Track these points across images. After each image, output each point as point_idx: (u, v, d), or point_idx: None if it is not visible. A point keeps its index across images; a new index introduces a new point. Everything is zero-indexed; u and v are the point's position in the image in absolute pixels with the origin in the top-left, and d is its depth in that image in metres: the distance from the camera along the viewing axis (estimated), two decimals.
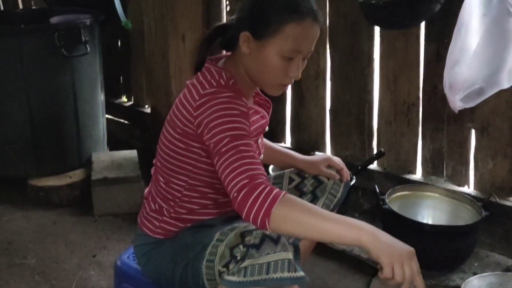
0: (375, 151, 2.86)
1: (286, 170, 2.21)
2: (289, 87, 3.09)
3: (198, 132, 1.67)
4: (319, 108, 3.04)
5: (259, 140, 1.91)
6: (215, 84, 1.68)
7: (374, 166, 2.85)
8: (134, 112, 3.94)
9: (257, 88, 1.92)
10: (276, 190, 1.52)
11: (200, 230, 1.79)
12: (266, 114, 1.91)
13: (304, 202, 1.56)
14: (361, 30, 2.74)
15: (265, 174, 1.59)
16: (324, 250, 2.53)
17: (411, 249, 1.47)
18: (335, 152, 3.00)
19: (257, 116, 1.84)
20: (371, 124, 2.87)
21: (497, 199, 2.39)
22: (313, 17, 1.68)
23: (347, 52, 2.83)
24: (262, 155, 1.96)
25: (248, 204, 1.51)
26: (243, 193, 1.52)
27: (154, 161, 1.90)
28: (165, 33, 3.15)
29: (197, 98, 1.67)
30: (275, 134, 3.25)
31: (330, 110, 2.99)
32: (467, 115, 2.49)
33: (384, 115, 2.79)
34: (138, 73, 3.89)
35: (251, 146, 1.61)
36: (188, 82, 1.77)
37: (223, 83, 1.69)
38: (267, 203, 1.50)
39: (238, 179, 1.53)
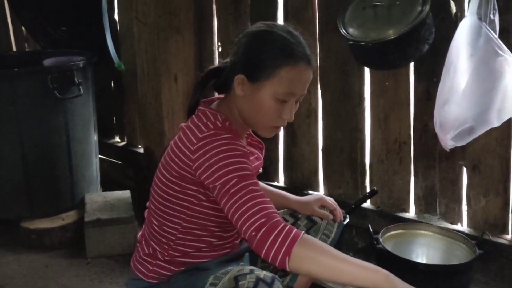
0: (368, 190, 2.86)
1: (279, 211, 2.20)
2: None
3: (197, 175, 1.68)
4: (312, 147, 3.05)
5: None
6: (212, 127, 1.69)
7: (367, 204, 2.85)
8: (127, 152, 3.94)
9: (249, 130, 1.94)
10: (296, 229, 1.55)
11: (193, 274, 1.79)
12: (260, 155, 1.93)
13: (323, 243, 1.59)
14: (352, 69, 2.78)
15: (278, 213, 1.60)
16: None
17: None
18: (328, 190, 3.00)
19: (252, 157, 1.86)
20: (363, 162, 2.88)
21: (491, 237, 2.39)
22: (306, 62, 1.73)
23: (338, 91, 2.86)
24: None
25: (268, 243, 1.53)
26: (262, 232, 1.53)
27: (147, 203, 1.90)
28: (157, 74, 3.18)
29: (195, 141, 1.68)
30: (268, 173, 3.26)
31: (323, 149, 3.01)
32: (459, 153, 2.50)
33: (376, 153, 2.80)
34: (131, 114, 3.91)
35: (258, 186, 1.63)
36: (183, 125, 1.79)
37: (219, 125, 1.71)
38: (287, 242, 1.52)
39: (254, 218, 1.55)
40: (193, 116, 1.78)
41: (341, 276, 1.55)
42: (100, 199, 3.39)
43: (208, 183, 1.65)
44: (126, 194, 3.46)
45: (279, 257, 1.53)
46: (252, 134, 1.99)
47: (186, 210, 1.77)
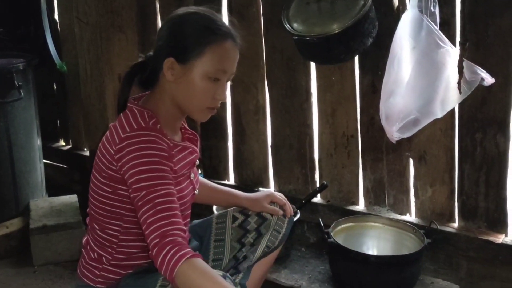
0: (318, 184, 2.87)
1: (229, 209, 2.19)
2: (230, 123, 3.12)
3: (121, 174, 1.67)
4: (261, 144, 3.04)
5: (192, 175, 1.90)
6: (135, 127, 1.68)
7: (317, 199, 2.86)
8: (73, 156, 3.84)
9: (184, 123, 1.93)
10: (184, 251, 1.55)
11: (142, 276, 1.75)
12: (195, 148, 1.90)
13: (207, 268, 1.58)
14: (298, 65, 2.78)
15: (179, 225, 1.60)
16: (272, 285, 2.49)
17: None
18: (278, 187, 3.00)
19: (185, 152, 1.84)
20: (312, 158, 2.89)
21: (438, 226, 2.44)
22: (233, 39, 1.75)
23: (285, 87, 2.85)
24: (197, 190, 1.95)
25: (159, 262, 1.55)
26: (155, 251, 1.57)
27: (87, 209, 1.86)
28: (101, 75, 3.10)
29: (117, 141, 1.68)
30: (218, 172, 3.23)
31: (272, 145, 3.00)
32: (405, 144, 2.53)
33: (324, 148, 2.81)
34: (75, 116, 3.81)
35: (168, 196, 1.62)
36: (111, 124, 1.76)
37: (143, 125, 1.69)
38: (172, 262, 1.54)
39: (151, 237, 1.58)
40: (121, 114, 1.75)
41: None
42: (46, 205, 3.29)
43: (128, 184, 1.65)
44: (73, 198, 3.37)
45: (167, 275, 1.55)
46: (187, 127, 1.96)
47: (123, 211, 1.73)
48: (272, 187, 3.04)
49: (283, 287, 2.48)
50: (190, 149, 1.86)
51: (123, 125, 1.70)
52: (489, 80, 2.15)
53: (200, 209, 2.40)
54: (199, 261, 1.56)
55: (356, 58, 2.58)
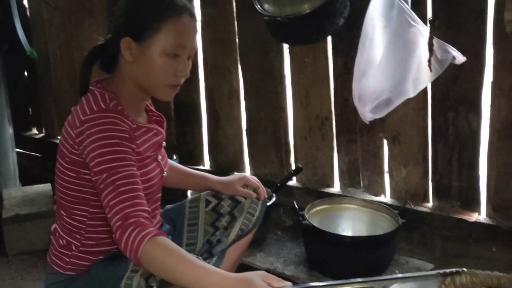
0: (293, 167, 2.86)
1: (202, 193, 2.17)
2: (204, 108, 3.09)
3: (83, 158, 1.64)
4: (235, 128, 3.02)
5: (159, 157, 1.87)
6: (95, 109, 1.65)
7: (293, 182, 2.85)
8: (46, 144, 3.79)
9: (149, 105, 1.91)
10: (147, 231, 1.52)
11: (112, 262, 1.72)
12: (160, 129, 1.88)
13: (174, 246, 1.54)
14: (271, 48, 2.75)
15: (142, 206, 1.58)
16: (247, 269, 2.47)
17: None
18: (254, 170, 2.98)
19: (150, 134, 1.81)
20: (287, 141, 2.88)
21: (412, 206, 2.44)
22: (189, 13, 1.71)
23: (258, 71, 2.83)
24: (165, 172, 1.92)
25: (123, 245, 1.53)
26: (118, 233, 1.54)
27: (54, 196, 1.83)
28: (71, 60, 3.05)
29: (78, 125, 1.65)
30: (193, 157, 3.21)
31: (246, 130, 2.98)
32: (378, 125, 2.53)
33: (299, 131, 2.80)
34: (47, 103, 3.75)
35: (129, 177, 1.60)
36: (73, 108, 1.73)
37: (104, 106, 1.66)
38: (135, 243, 1.51)
39: (114, 219, 1.55)
40: (83, 97, 1.72)
41: (185, 279, 1.49)
42: (19, 194, 3.25)
43: (89, 168, 1.62)
44: (46, 187, 3.33)
45: (132, 256, 1.52)
46: (152, 109, 1.94)
47: (88, 196, 1.70)
48: (247, 171, 3.02)
49: (259, 270, 2.46)
50: (155, 131, 1.84)
51: (83, 108, 1.67)
52: (460, 58, 2.14)
53: (176, 196, 2.37)
54: (163, 239, 1.53)
55: (329, 39, 2.57)
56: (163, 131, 1.90)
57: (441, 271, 1.45)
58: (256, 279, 1.43)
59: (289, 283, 1.48)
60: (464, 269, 1.44)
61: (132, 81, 1.73)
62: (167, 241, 1.54)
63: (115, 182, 1.57)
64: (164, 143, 1.91)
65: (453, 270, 1.44)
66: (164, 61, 1.68)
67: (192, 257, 1.53)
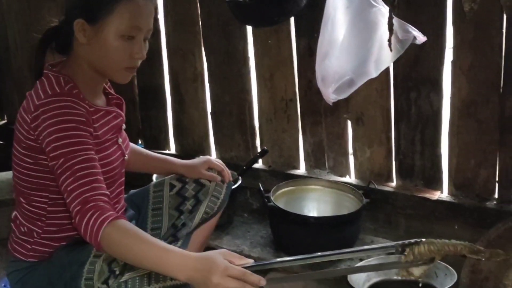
0: (259, 150, 2.86)
1: (166, 177, 2.16)
2: (168, 91, 3.07)
3: (40, 144, 1.61)
4: (200, 111, 3.00)
5: (119, 140, 1.85)
6: (50, 93, 1.62)
7: (259, 165, 2.86)
8: (8, 131, 3.71)
9: (108, 87, 1.88)
10: (106, 214, 1.50)
11: (75, 248, 1.71)
12: (120, 112, 1.85)
13: (135, 229, 1.53)
14: (234, 30, 2.73)
15: (101, 190, 1.56)
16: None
17: (220, 268, 1.40)
18: (220, 154, 2.98)
19: (109, 116, 1.79)
20: (252, 124, 2.87)
21: (376, 186, 2.47)
22: None
23: (222, 53, 2.81)
24: (127, 155, 1.90)
25: (82, 230, 1.51)
26: (77, 218, 1.52)
27: (13, 183, 1.79)
28: (32, 46, 2.98)
29: (32, 109, 1.62)
30: (159, 142, 3.18)
31: (212, 113, 2.97)
32: (342, 106, 2.54)
33: (264, 113, 2.80)
34: (9, 90, 3.66)
35: (87, 162, 1.57)
36: (28, 92, 1.69)
37: (58, 90, 1.63)
38: (95, 227, 1.49)
39: (73, 204, 1.53)
40: (38, 81, 1.69)
41: (145, 261, 1.48)
42: None
43: (46, 153, 1.59)
44: (9, 175, 3.21)
45: (92, 241, 1.51)
46: (111, 91, 1.91)
47: (47, 181, 1.68)
48: (213, 155, 3.02)
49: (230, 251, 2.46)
50: (114, 113, 1.81)
51: (38, 92, 1.63)
52: (421, 38, 2.16)
53: (143, 181, 2.35)
54: (123, 222, 1.52)
55: (292, 20, 2.56)
56: (123, 114, 1.87)
57: (400, 242, 1.47)
58: (217, 257, 1.42)
59: (251, 260, 1.48)
60: (422, 239, 1.46)
61: (87, 63, 1.70)
62: (126, 223, 1.53)
63: (72, 167, 1.54)
64: (124, 126, 1.89)
65: (412, 240, 1.46)
66: (119, 43, 1.64)
67: (152, 238, 1.51)
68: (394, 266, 1.45)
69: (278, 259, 1.58)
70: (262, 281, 1.41)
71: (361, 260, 2.27)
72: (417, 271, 1.49)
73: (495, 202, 2.33)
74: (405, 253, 1.46)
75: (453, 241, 1.51)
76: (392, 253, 1.48)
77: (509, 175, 2.28)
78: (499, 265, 2.10)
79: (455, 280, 1.95)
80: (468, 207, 2.34)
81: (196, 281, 1.42)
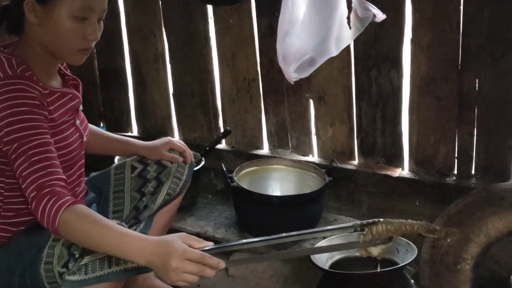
0: (222, 131, 2.84)
1: (127, 159, 2.14)
2: (129, 73, 3.02)
3: None
4: (162, 92, 2.97)
5: (77, 122, 1.82)
6: (2, 76, 1.58)
7: (222, 145, 2.85)
8: None
9: (63, 67, 1.85)
10: (63, 200, 1.49)
11: (34, 233, 1.68)
12: (76, 93, 1.82)
13: (93, 213, 1.52)
14: (195, 9, 2.70)
15: (57, 175, 1.54)
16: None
17: (179, 251, 1.40)
18: (183, 135, 2.95)
19: (65, 98, 1.75)
20: (215, 104, 2.86)
21: (339, 164, 2.48)
22: None
23: (183, 33, 2.78)
24: (85, 137, 1.87)
25: (39, 215, 1.49)
26: (34, 204, 1.50)
27: None
28: None
29: None
30: (121, 124, 3.14)
31: (174, 94, 2.94)
32: (304, 85, 2.54)
33: (226, 94, 2.78)
34: None
35: (42, 146, 1.55)
36: None
37: (11, 73, 1.59)
38: (52, 213, 1.48)
39: (29, 190, 1.51)
40: None
41: (104, 245, 1.47)
42: None
43: (0, 137, 1.57)
44: None
45: (49, 226, 1.50)
46: (67, 72, 1.87)
47: (3, 166, 1.64)
48: (176, 136, 2.99)
49: (189, 234, 2.45)
50: (71, 95, 1.77)
51: None
52: (380, 16, 2.16)
53: (105, 164, 2.31)
54: (80, 207, 1.50)
55: None
56: (80, 95, 1.84)
57: (359, 222, 1.50)
58: (176, 241, 1.42)
59: (211, 243, 1.48)
60: (380, 219, 1.49)
61: (39, 45, 1.66)
62: (84, 208, 1.51)
63: (27, 152, 1.51)
64: (81, 107, 1.85)
65: (370, 220, 1.49)
66: (72, 25, 1.60)
67: (110, 222, 1.50)
68: (353, 245, 1.48)
69: (237, 242, 1.61)
70: (221, 264, 1.42)
71: (324, 238, 2.29)
72: (375, 250, 1.52)
73: (454, 177, 2.37)
74: (364, 232, 1.48)
75: (410, 220, 1.55)
76: (352, 233, 1.50)
77: (467, 151, 2.32)
78: (459, 240, 2.14)
79: (415, 255, 1.98)
80: (428, 183, 2.37)
81: (155, 265, 1.42)
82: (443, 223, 2.18)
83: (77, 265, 1.55)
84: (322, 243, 2.17)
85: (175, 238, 1.43)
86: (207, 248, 1.45)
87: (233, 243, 1.59)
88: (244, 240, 1.61)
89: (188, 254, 1.39)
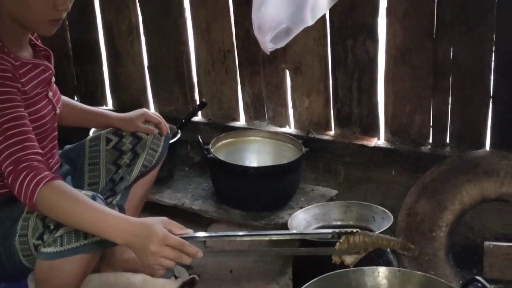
0: (198, 103, 2.83)
1: (102, 131, 2.11)
2: (103, 45, 2.98)
3: None
4: (137, 65, 2.93)
5: (50, 94, 1.79)
6: None
7: (199, 118, 2.83)
8: None
9: (34, 38, 1.81)
10: (41, 175, 1.48)
11: (7, 205, 1.66)
12: (48, 65, 1.79)
13: (69, 188, 1.51)
14: None
15: (34, 149, 1.52)
16: (155, 206, 2.46)
17: (159, 236, 1.40)
18: (158, 108, 2.93)
19: (37, 70, 1.72)
20: (191, 76, 2.83)
21: (315, 135, 2.48)
22: None
23: (157, 5, 2.73)
24: (58, 109, 1.84)
25: (16, 190, 1.48)
26: (10, 179, 1.49)
27: None
28: None
29: None
30: (95, 98, 3.10)
31: (148, 66, 2.90)
32: (280, 56, 2.53)
33: (202, 65, 2.76)
34: None
35: (17, 119, 1.53)
36: None
37: None
38: (30, 188, 1.47)
39: (5, 164, 1.50)
40: None
41: (83, 223, 1.47)
42: None
43: None
44: None
45: (27, 202, 1.48)
46: (38, 43, 1.84)
47: None
48: (152, 110, 2.96)
49: (166, 207, 2.45)
50: (43, 67, 1.74)
51: None
52: None
53: (80, 138, 2.28)
54: (59, 183, 1.49)
55: None
56: (52, 66, 1.80)
57: (337, 230, 1.51)
58: (157, 225, 1.41)
59: (191, 230, 1.48)
60: (358, 230, 1.51)
61: (8, 15, 1.62)
62: (63, 185, 1.49)
63: (1, 126, 1.49)
64: (53, 79, 1.82)
65: (348, 230, 1.51)
66: None
67: (90, 200, 1.49)
68: (329, 251, 1.51)
69: (216, 234, 1.71)
70: (199, 253, 1.42)
71: (301, 208, 2.30)
72: (349, 259, 1.54)
73: (429, 146, 2.38)
74: (341, 241, 1.49)
75: (387, 236, 1.59)
76: (329, 239, 1.53)
77: (442, 120, 2.34)
78: (434, 208, 2.17)
79: (391, 223, 2.00)
80: (404, 152, 2.39)
81: (133, 246, 1.42)
82: (418, 192, 2.21)
83: (52, 237, 1.54)
84: (298, 213, 2.18)
85: (156, 222, 1.43)
86: (187, 235, 1.45)
87: (212, 234, 1.65)
88: (220, 233, 1.72)
89: (168, 240, 1.40)
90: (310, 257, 1.90)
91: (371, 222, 2.07)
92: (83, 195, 1.50)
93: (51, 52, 1.85)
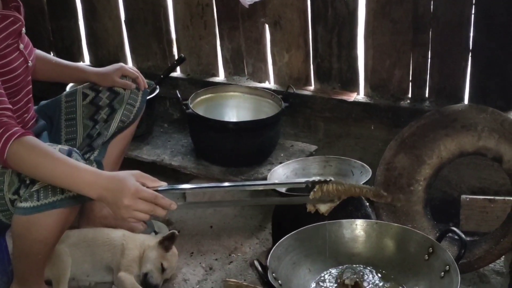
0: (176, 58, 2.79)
1: (79, 86, 2.08)
2: (78, 0, 2.91)
3: None
4: (114, 20, 2.87)
5: (21, 46, 1.75)
6: None
7: (177, 73, 2.80)
8: None
9: None
10: (12, 131, 1.45)
11: None
12: (18, 16, 1.74)
13: (40, 144, 1.49)
14: None
15: (4, 105, 1.49)
16: (134, 163, 2.44)
17: (132, 190, 1.39)
18: (136, 64, 2.88)
19: (7, 21, 1.68)
20: (169, 31, 2.78)
21: (295, 90, 2.47)
22: None
23: None
24: (30, 62, 1.81)
25: None
26: None
27: None
28: None
29: None
30: (72, 53, 3.05)
31: (126, 21, 2.84)
32: (260, 10, 2.49)
33: (180, 20, 2.71)
34: None
35: None
36: None
37: None
38: (0, 144, 1.44)
39: None
40: None
41: (55, 178, 1.45)
42: None
43: None
44: None
45: None
46: None
47: None
48: (130, 65, 2.91)
49: (146, 163, 2.44)
50: (12, 18, 1.69)
51: None
52: None
53: (56, 94, 2.24)
54: (30, 138, 1.47)
55: None
56: (22, 17, 1.76)
57: (311, 179, 1.51)
58: (129, 178, 1.40)
59: (164, 183, 1.46)
60: (332, 179, 1.51)
61: None
62: (34, 140, 1.47)
63: None
64: (23, 30, 1.77)
65: (321, 179, 1.50)
66: None
67: (61, 155, 1.47)
68: (304, 200, 1.51)
69: (190, 186, 1.63)
70: (173, 205, 1.41)
71: (281, 163, 2.30)
72: (323, 207, 1.54)
73: (408, 101, 2.38)
74: (315, 189, 1.49)
75: (360, 184, 1.61)
76: (303, 189, 1.52)
77: (421, 74, 2.33)
78: (412, 162, 2.18)
79: (369, 177, 2.01)
80: (383, 107, 2.39)
81: (106, 201, 1.41)
82: (397, 146, 2.22)
83: (28, 191, 1.53)
84: (278, 168, 2.18)
85: (128, 175, 1.41)
86: (161, 188, 1.43)
87: (186, 186, 1.59)
88: (195, 185, 1.65)
89: (141, 193, 1.38)
90: (289, 211, 1.92)
91: (349, 177, 2.08)
92: (54, 150, 1.48)
93: (20, 3, 1.79)
